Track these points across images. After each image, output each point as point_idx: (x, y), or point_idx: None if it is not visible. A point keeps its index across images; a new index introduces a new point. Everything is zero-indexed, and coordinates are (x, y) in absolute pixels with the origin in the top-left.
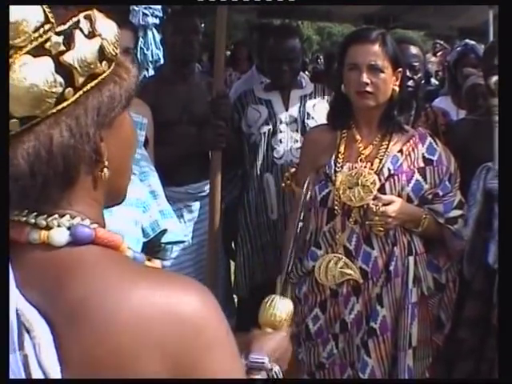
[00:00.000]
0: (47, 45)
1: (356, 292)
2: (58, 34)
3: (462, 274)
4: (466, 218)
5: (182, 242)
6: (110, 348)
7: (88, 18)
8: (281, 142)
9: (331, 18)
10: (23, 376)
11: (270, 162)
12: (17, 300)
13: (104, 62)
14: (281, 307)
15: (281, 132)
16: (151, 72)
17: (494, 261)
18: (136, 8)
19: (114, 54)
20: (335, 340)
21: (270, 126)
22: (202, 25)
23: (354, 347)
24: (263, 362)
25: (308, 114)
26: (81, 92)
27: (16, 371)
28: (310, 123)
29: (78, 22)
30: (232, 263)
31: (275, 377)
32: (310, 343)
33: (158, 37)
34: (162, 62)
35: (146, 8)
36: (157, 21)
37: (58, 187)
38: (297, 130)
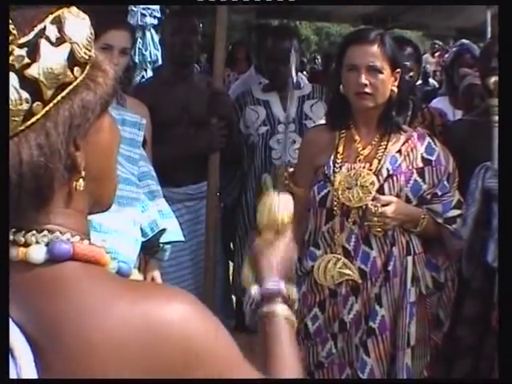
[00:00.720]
0: (10, 59)
1: (355, 292)
2: (20, 46)
3: (461, 273)
4: (464, 218)
5: (181, 241)
6: (92, 367)
7: (56, 21)
8: (278, 142)
9: (329, 18)
10: None
11: (267, 163)
12: None
13: (76, 69)
14: (282, 208)
15: (279, 133)
16: (149, 73)
17: (492, 259)
18: (134, 8)
19: (86, 57)
20: (334, 339)
21: (268, 127)
22: (201, 25)
23: (352, 347)
24: (279, 289)
25: (306, 115)
26: (50, 105)
27: None
28: (308, 124)
29: (44, 29)
30: (231, 264)
31: (292, 299)
32: (309, 342)
33: (156, 37)
34: (160, 62)
35: (144, 8)
36: (155, 21)
37: (33, 205)
38: (295, 131)
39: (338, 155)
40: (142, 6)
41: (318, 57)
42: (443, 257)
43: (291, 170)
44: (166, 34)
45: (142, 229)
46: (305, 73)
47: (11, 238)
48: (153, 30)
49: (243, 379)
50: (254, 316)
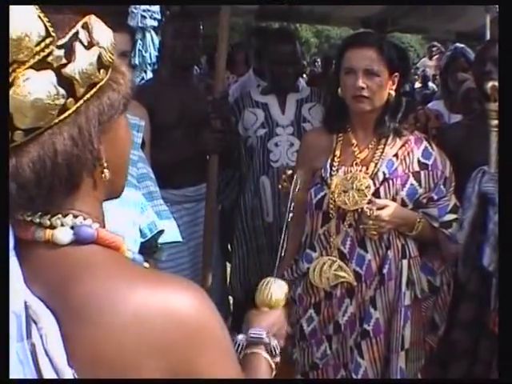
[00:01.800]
0: (49, 58)
1: (350, 294)
2: (59, 47)
3: (457, 277)
4: (460, 222)
5: (179, 242)
6: (112, 346)
7: (85, 27)
8: (277, 145)
9: (329, 21)
10: (31, 363)
11: (266, 165)
12: (24, 293)
13: (102, 70)
14: (276, 288)
15: (277, 135)
16: (149, 74)
17: (488, 263)
18: (134, 10)
19: (110, 61)
20: (329, 341)
21: (267, 130)
22: (201, 27)
23: (347, 348)
24: (262, 336)
25: (304, 118)
26: (81, 101)
27: (24, 359)
28: (306, 127)
29: (77, 33)
30: (228, 265)
31: (273, 351)
32: (304, 344)
33: (156, 39)
34: (160, 64)
35: (144, 10)
36: (155, 23)
37: (63, 192)
38: (293, 134)
39: (335, 158)
40: (142, 8)
41: (318, 59)
42: (439, 261)
43: (289, 172)
44: (166, 36)
45: (140, 229)
46: (304, 76)
47: (37, 220)
48: (153, 32)
49: (243, 379)
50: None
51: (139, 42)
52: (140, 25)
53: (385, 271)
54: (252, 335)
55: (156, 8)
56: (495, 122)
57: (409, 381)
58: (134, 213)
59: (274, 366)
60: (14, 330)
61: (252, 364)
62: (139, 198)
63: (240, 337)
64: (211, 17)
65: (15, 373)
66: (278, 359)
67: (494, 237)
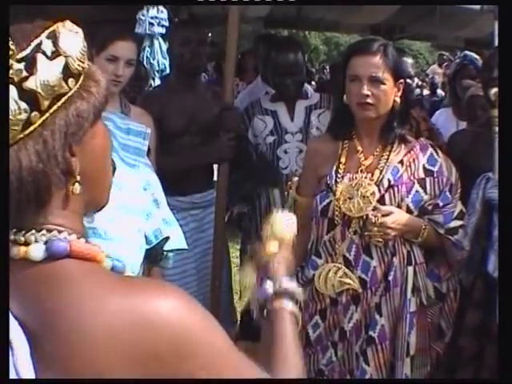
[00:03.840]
0: (10, 72)
1: (355, 301)
2: (19, 61)
3: (462, 283)
4: (465, 228)
5: (184, 249)
6: (86, 360)
7: (51, 36)
8: (286, 152)
9: (338, 28)
10: None
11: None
12: None
13: (70, 80)
14: (285, 227)
15: (286, 142)
16: (157, 81)
17: (493, 269)
18: (142, 17)
19: (80, 69)
20: (334, 348)
21: (276, 137)
22: (210, 34)
23: (352, 355)
24: (293, 291)
25: (313, 124)
26: (47, 114)
27: None
28: (315, 133)
29: (40, 43)
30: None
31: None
32: (310, 350)
33: (164, 46)
34: (167, 71)
35: (152, 17)
36: (163, 30)
37: (32, 208)
38: (302, 141)
39: (341, 165)
40: (150, 15)
41: (327, 67)
42: (445, 267)
43: (295, 179)
44: (174, 43)
45: (146, 236)
46: (313, 83)
47: (12, 237)
48: (161, 39)
49: (243, 379)
50: (261, 311)
51: (147, 49)
52: (148, 32)
53: (390, 278)
54: (284, 286)
55: (164, 15)
56: (498, 128)
57: (409, 381)
58: (140, 220)
59: (299, 318)
60: None
61: (280, 324)
62: (145, 205)
63: (268, 285)
64: (220, 24)
65: None
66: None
67: (498, 243)
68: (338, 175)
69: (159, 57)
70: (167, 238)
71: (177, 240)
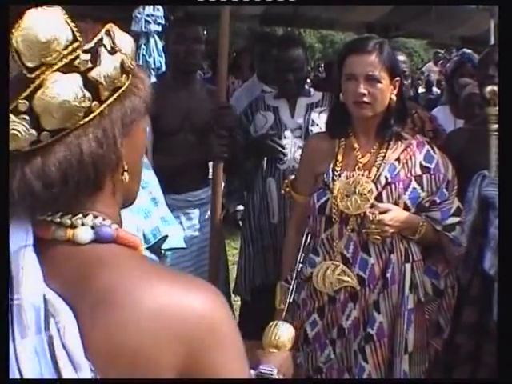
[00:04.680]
0: (76, 62)
1: (353, 298)
2: (85, 51)
3: (459, 280)
4: (462, 226)
5: (183, 248)
6: (131, 335)
7: (108, 33)
8: (284, 148)
9: (334, 26)
10: (48, 356)
11: (273, 167)
12: (43, 288)
13: (124, 76)
14: (284, 331)
15: (285, 138)
16: (153, 79)
17: (489, 267)
18: (138, 15)
19: (131, 67)
20: (333, 345)
21: (275, 132)
22: (205, 32)
23: (351, 352)
24: (272, 373)
25: (313, 122)
26: (105, 105)
27: (40, 351)
28: (315, 130)
29: (102, 39)
30: (229, 269)
31: None
32: (308, 348)
33: (160, 44)
34: (163, 69)
35: (148, 15)
36: (159, 28)
37: (86, 192)
38: (300, 137)
39: (338, 163)
40: (146, 13)
41: (322, 65)
42: (443, 264)
43: (292, 177)
44: (169, 41)
45: (144, 235)
46: (308, 81)
47: (57, 220)
48: (157, 37)
49: (244, 379)
50: None
51: (143, 47)
52: (144, 30)
53: (388, 275)
54: (262, 371)
55: (160, 13)
56: (495, 126)
57: (408, 381)
58: (138, 218)
59: None
60: (32, 322)
61: None
62: (143, 203)
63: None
64: (214, 22)
65: (31, 364)
66: None
67: (494, 241)
68: (335, 173)
69: (155, 55)
70: (166, 237)
71: (175, 239)
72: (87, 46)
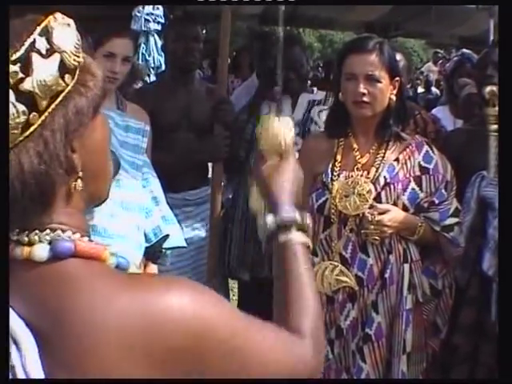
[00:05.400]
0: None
1: (351, 299)
2: (14, 62)
3: (457, 281)
4: (460, 226)
5: (183, 247)
6: (97, 357)
7: (44, 32)
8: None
9: (333, 25)
10: None
11: None
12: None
13: (67, 76)
14: (283, 131)
15: None
16: (153, 78)
17: (488, 267)
18: (138, 14)
19: (76, 63)
20: (331, 345)
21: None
22: (204, 31)
23: (349, 353)
24: (294, 218)
25: (311, 119)
26: (46, 114)
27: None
28: (313, 128)
29: (34, 42)
30: None
31: (305, 224)
32: None
33: (159, 43)
34: (163, 68)
35: (148, 14)
36: (159, 27)
37: (37, 209)
38: (298, 135)
39: (337, 163)
40: (145, 12)
41: (321, 64)
42: (441, 264)
43: None
44: (168, 39)
45: (145, 234)
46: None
47: (15, 238)
48: (156, 36)
49: (244, 379)
50: (270, 243)
51: (142, 45)
52: (143, 28)
53: (386, 275)
54: (284, 217)
55: (159, 12)
56: (494, 126)
57: (408, 381)
58: (139, 217)
59: (310, 245)
60: None
61: (289, 253)
62: (144, 202)
63: (269, 221)
64: (214, 21)
65: None
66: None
67: (493, 241)
68: (334, 173)
69: (155, 53)
70: (166, 236)
71: (176, 238)
72: (16, 56)
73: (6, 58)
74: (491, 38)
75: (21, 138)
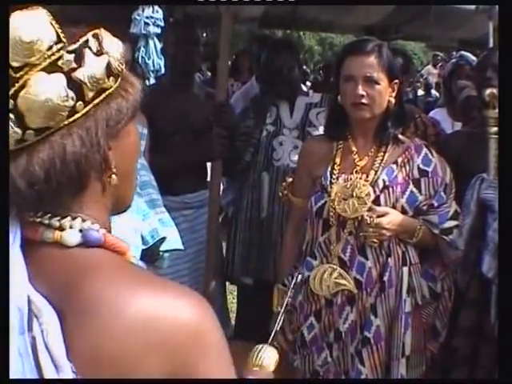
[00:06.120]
0: (60, 62)
1: (350, 302)
2: (69, 52)
3: (457, 283)
4: (460, 228)
5: (180, 250)
6: (116, 344)
7: (96, 36)
8: (281, 144)
9: (333, 28)
10: (30, 357)
11: (268, 161)
12: (28, 289)
13: (111, 78)
14: (268, 354)
15: (283, 135)
16: (152, 81)
17: (487, 269)
18: (137, 17)
19: (119, 69)
20: (329, 348)
21: (275, 128)
22: (204, 34)
23: (348, 356)
24: None
25: (310, 122)
26: (90, 105)
27: (23, 352)
28: (312, 131)
29: (87, 41)
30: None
31: None
32: (305, 351)
33: (159, 46)
34: (163, 71)
35: (147, 17)
36: (158, 30)
37: (71, 192)
38: (298, 137)
39: (335, 166)
40: (145, 15)
41: (321, 67)
42: (440, 267)
43: (290, 179)
44: (168, 43)
45: (142, 236)
46: (308, 83)
47: (46, 222)
48: (156, 39)
49: (244, 379)
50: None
51: (142, 49)
52: (143, 32)
53: (385, 278)
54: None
55: (159, 15)
56: (494, 129)
57: (407, 381)
58: (136, 220)
59: None
60: (16, 323)
61: None
62: (141, 205)
63: None
64: (214, 24)
65: (14, 365)
66: None
67: (493, 243)
68: (333, 176)
69: (154, 57)
70: (163, 239)
71: (173, 240)
72: (72, 47)
73: (5, 57)
74: (491, 40)
75: (66, 122)
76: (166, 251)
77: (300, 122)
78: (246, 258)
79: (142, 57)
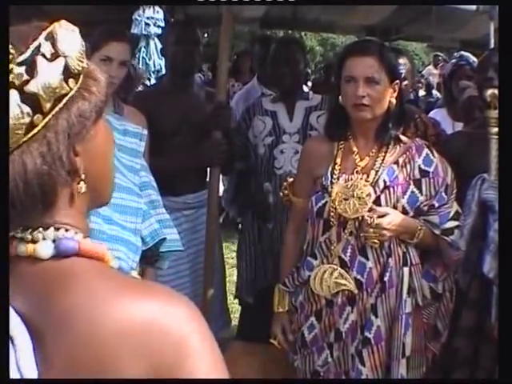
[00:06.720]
0: (10, 77)
1: (351, 302)
2: (19, 64)
3: (458, 284)
4: (461, 229)
5: (180, 250)
6: (94, 354)
7: (49, 37)
8: (282, 152)
9: (334, 29)
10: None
11: (270, 172)
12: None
13: (70, 80)
14: None
15: (284, 143)
16: (153, 81)
17: (488, 270)
18: (138, 18)
19: (80, 68)
20: (330, 349)
21: (274, 137)
22: (206, 35)
23: (348, 356)
24: None
25: (311, 126)
26: (50, 116)
27: None
28: (313, 134)
29: (39, 46)
30: (227, 273)
31: None
32: (306, 351)
33: (160, 46)
34: (163, 71)
35: (148, 18)
36: (159, 30)
37: (39, 209)
38: (299, 142)
39: (336, 166)
40: (146, 16)
41: (323, 67)
42: (441, 267)
43: (291, 180)
44: (168, 43)
45: (142, 237)
46: (309, 84)
47: (18, 235)
48: (157, 40)
49: (244, 379)
50: None
51: (143, 49)
52: (144, 32)
53: (386, 279)
54: None
55: (160, 16)
56: (495, 129)
57: (407, 381)
58: (136, 221)
59: None
60: None
61: None
62: (141, 206)
63: None
64: (215, 24)
65: None
66: None
67: (494, 244)
68: (334, 176)
69: (155, 57)
70: (163, 240)
71: (173, 241)
72: (21, 58)
73: (6, 58)
74: (492, 40)
75: (24, 139)
76: (166, 252)
77: (301, 126)
78: (263, 267)
79: (143, 57)
